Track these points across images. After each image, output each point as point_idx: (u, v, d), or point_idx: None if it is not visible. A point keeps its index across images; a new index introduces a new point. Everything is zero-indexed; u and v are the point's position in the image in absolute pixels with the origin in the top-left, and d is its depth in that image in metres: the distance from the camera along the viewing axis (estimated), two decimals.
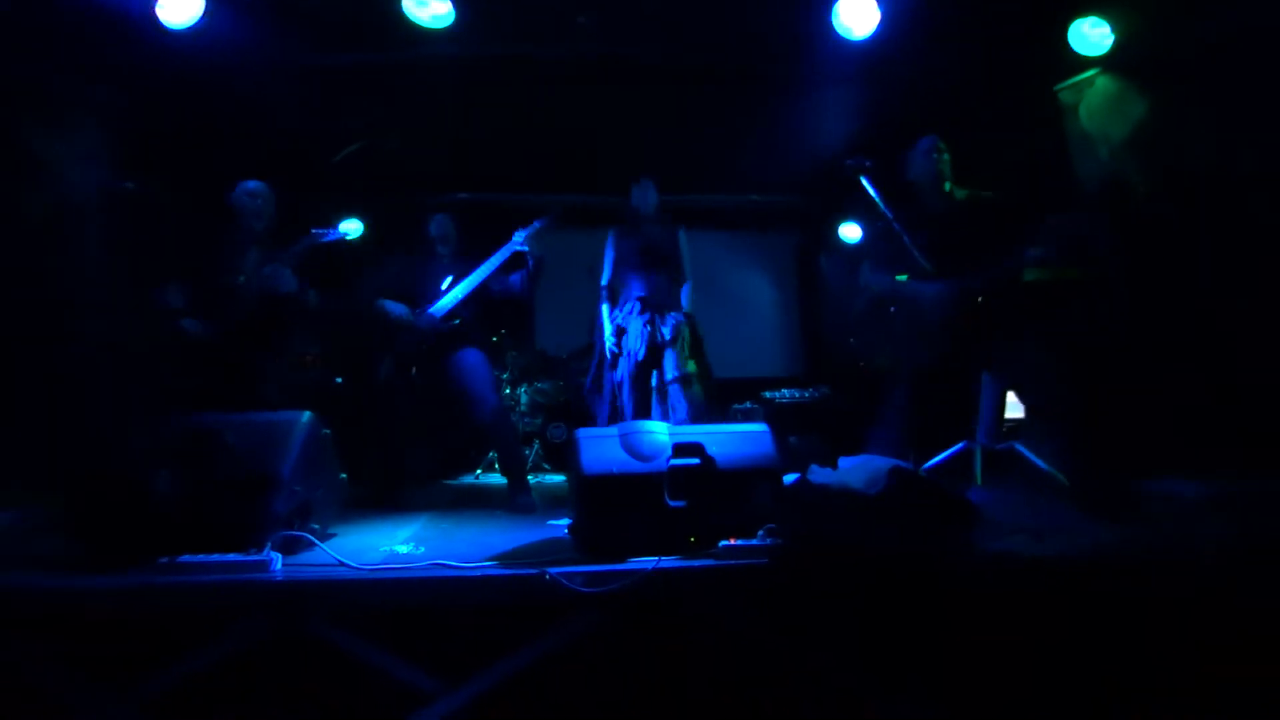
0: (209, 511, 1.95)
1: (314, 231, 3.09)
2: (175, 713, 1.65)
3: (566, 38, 3.49)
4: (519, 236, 3.28)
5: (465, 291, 3.24)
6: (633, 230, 3.48)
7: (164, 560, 1.79)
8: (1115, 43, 3.24)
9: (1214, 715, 1.61)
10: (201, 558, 1.81)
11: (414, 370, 3.22)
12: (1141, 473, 2.43)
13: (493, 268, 3.25)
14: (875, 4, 3.12)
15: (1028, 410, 3.39)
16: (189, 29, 2.90)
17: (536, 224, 3.34)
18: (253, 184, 3.07)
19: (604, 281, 3.48)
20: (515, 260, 3.31)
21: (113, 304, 3.04)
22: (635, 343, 3.27)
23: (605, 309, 3.44)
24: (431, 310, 3.21)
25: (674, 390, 3.21)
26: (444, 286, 3.26)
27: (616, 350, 3.31)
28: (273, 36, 3.10)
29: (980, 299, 2.62)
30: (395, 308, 3.20)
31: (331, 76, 3.61)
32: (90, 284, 3.04)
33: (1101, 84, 3.43)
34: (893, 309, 2.99)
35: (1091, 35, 3.27)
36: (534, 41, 3.54)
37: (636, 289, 3.36)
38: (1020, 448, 3.08)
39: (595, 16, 3.35)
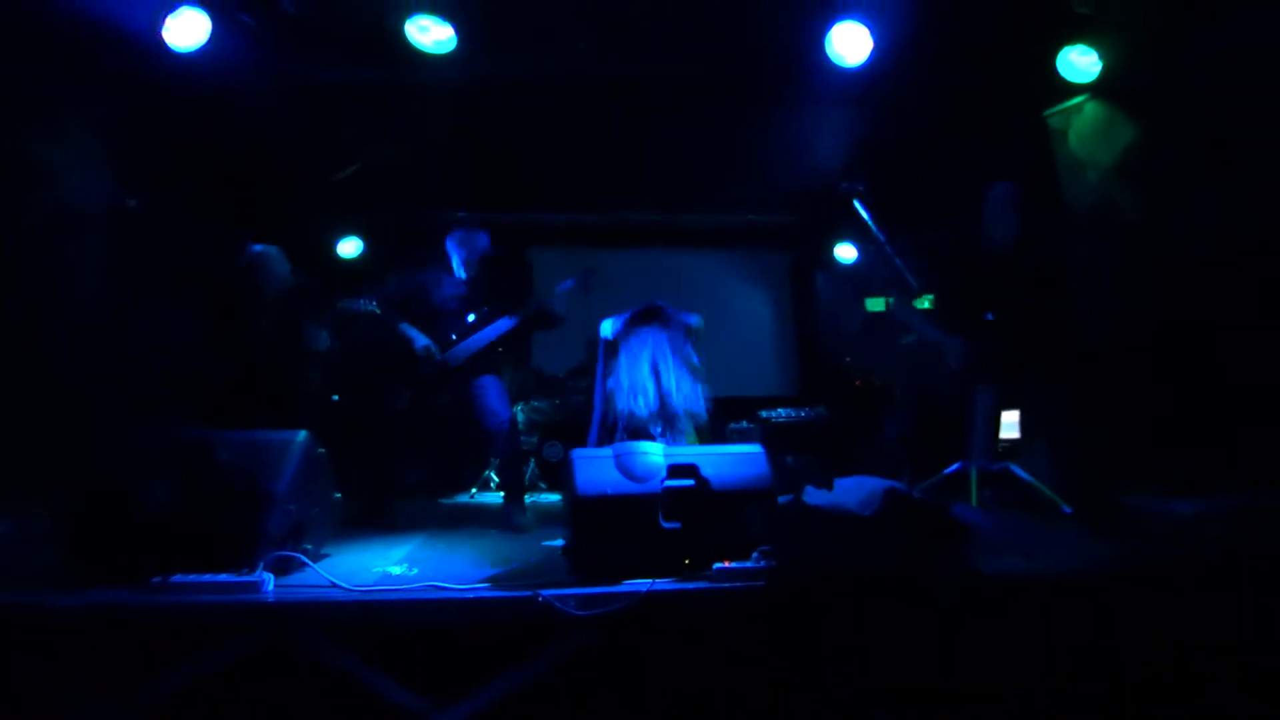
0: (202, 529, 1.94)
1: (345, 302, 3.24)
2: None
3: (566, 61, 3.56)
4: (561, 289, 3.35)
5: (489, 339, 3.28)
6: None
7: (156, 580, 1.78)
8: (1103, 70, 3.31)
9: None
10: (194, 578, 1.80)
11: (430, 401, 3.24)
12: (1134, 489, 2.44)
13: (517, 321, 3.31)
14: (868, 33, 3.18)
15: (1023, 430, 3.42)
16: (194, 51, 2.95)
17: (568, 283, 3.42)
18: (260, 247, 3.14)
19: (607, 336, 3.13)
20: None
21: (112, 317, 3.06)
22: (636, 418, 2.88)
23: (605, 359, 3.11)
24: (455, 352, 3.25)
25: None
26: (469, 319, 3.29)
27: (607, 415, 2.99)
28: (277, 60, 3.16)
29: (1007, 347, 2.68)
30: (419, 338, 3.21)
31: (334, 97, 3.67)
32: (89, 294, 3.06)
33: (1090, 110, 3.50)
34: (907, 341, 3.04)
35: (1080, 63, 3.34)
36: (534, 65, 3.60)
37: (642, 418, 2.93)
38: (1015, 468, 3.10)
39: (594, 40, 3.41)
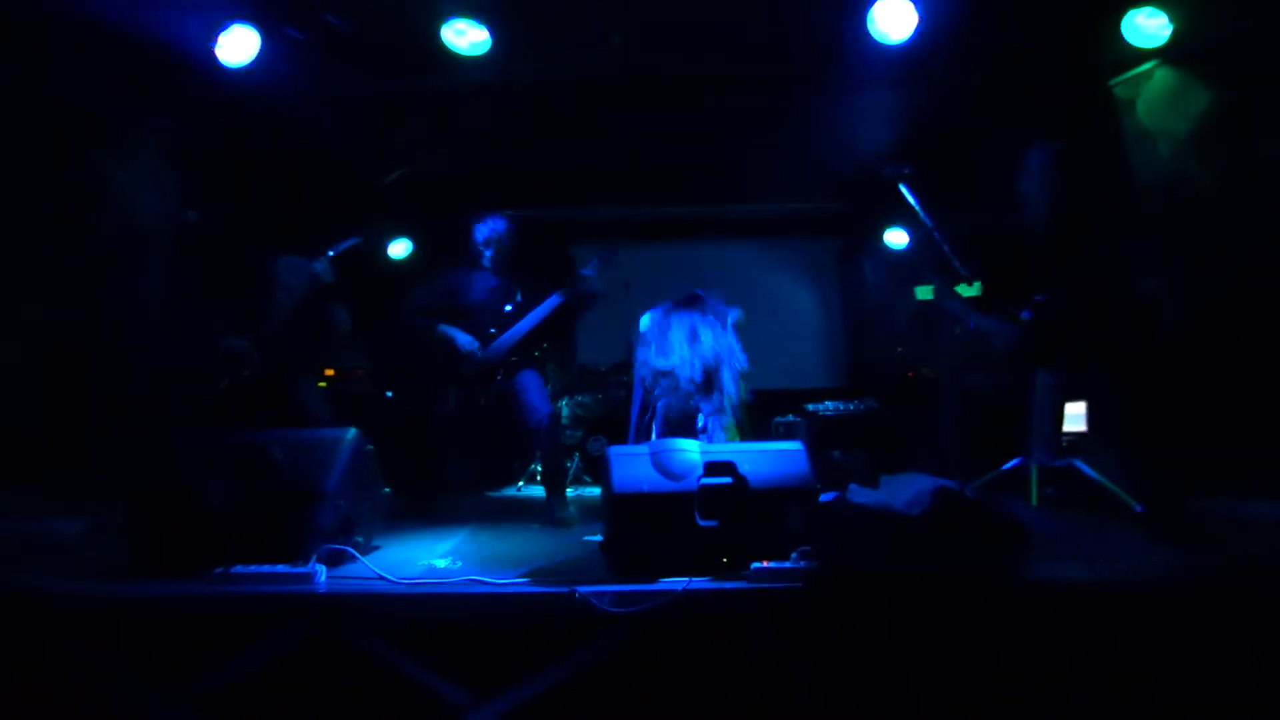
0: (258, 524, 2.05)
1: (329, 248, 3.31)
2: (221, 712, 1.73)
3: (601, 56, 3.54)
4: (587, 272, 3.34)
5: (529, 327, 3.30)
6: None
7: (219, 570, 1.89)
8: (1173, 33, 3.05)
9: None
10: (252, 569, 1.90)
11: (479, 400, 3.30)
12: (1207, 491, 2.26)
13: (555, 305, 3.31)
14: (913, 6, 3.04)
15: (1089, 424, 3.21)
16: (245, 66, 3.09)
17: (594, 261, 3.41)
18: (290, 260, 3.29)
19: (644, 330, 3.19)
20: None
21: (176, 325, 3.26)
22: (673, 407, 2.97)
23: (642, 353, 3.14)
24: (496, 345, 3.29)
25: (712, 423, 3.10)
26: (506, 309, 3.33)
27: (649, 400, 3.07)
28: (323, 71, 3.27)
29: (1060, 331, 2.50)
30: (461, 337, 3.25)
31: (378, 104, 3.78)
32: (156, 304, 3.28)
33: (1160, 77, 3.23)
34: (958, 330, 2.90)
35: (1147, 26, 3.08)
36: (569, 62, 3.61)
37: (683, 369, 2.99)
38: (1080, 464, 2.91)
39: (628, 34, 3.38)
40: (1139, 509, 2.49)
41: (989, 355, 2.70)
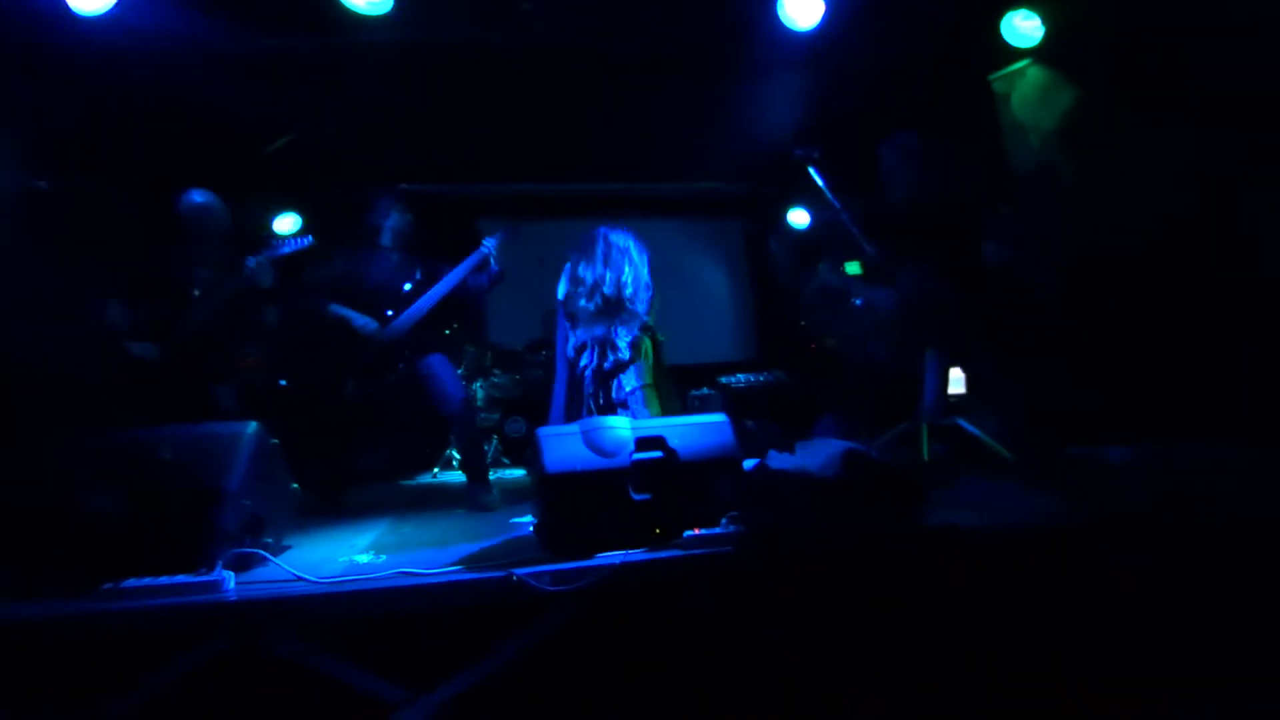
0: (152, 531, 1.86)
1: (276, 240, 3.04)
2: None
3: (511, 25, 3.40)
4: (487, 246, 3.24)
5: (430, 304, 3.16)
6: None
7: (107, 586, 1.70)
8: (1045, 34, 3.38)
9: (1149, 679, 1.74)
10: (148, 581, 1.73)
11: (379, 383, 3.14)
12: (1076, 440, 2.60)
13: (457, 280, 3.19)
14: None
15: (969, 387, 3.58)
16: (103, 16, 2.68)
17: (501, 235, 3.31)
18: (200, 196, 2.94)
19: (560, 296, 3.26)
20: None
21: (36, 311, 2.83)
22: (591, 362, 3.08)
23: (563, 324, 3.23)
24: (396, 325, 3.12)
25: (634, 399, 3.18)
26: (405, 288, 3.16)
27: (573, 366, 3.11)
28: (196, 23, 2.90)
29: (926, 299, 2.74)
30: (357, 318, 3.08)
31: (261, 64, 3.41)
32: (9, 290, 2.82)
33: (1032, 74, 3.59)
34: (858, 301, 3.10)
35: (1023, 27, 3.40)
36: (477, 29, 3.43)
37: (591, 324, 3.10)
38: (963, 423, 3.25)
39: (537, 3, 3.27)
40: (1011, 459, 2.83)
41: (882, 326, 2.92)
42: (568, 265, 3.22)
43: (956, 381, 3.65)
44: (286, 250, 3.05)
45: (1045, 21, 3.34)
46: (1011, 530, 1.93)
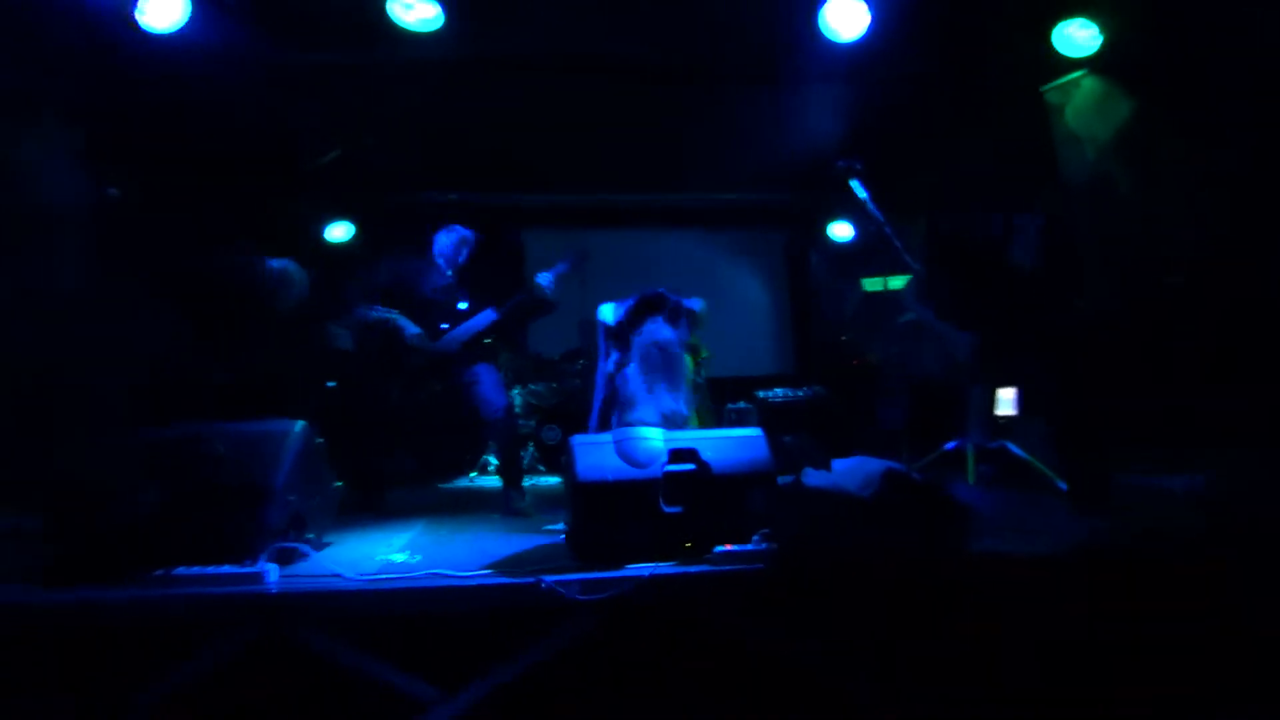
0: (202, 523, 1.94)
1: (361, 310, 3.18)
2: None
3: (554, 38, 3.48)
4: (544, 280, 3.26)
5: (480, 327, 3.24)
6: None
7: (159, 573, 1.78)
8: (1102, 44, 3.26)
9: (1198, 704, 1.64)
10: (196, 570, 1.80)
11: (424, 390, 3.23)
12: (1128, 468, 2.47)
13: (513, 306, 3.27)
14: (865, 6, 3.12)
15: (1019, 408, 3.44)
16: (171, 33, 2.86)
17: (562, 266, 3.35)
18: (280, 266, 3.13)
19: (609, 322, 3.18)
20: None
21: (99, 313, 3.01)
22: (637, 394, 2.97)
23: (605, 343, 3.18)
24: (448, 339, 3.21)
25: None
26: (460, 307, 3.25)
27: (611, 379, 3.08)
28: (257, 39, 3.06)
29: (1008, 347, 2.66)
30: (409, 326, 3.17)
31: (318, 78, 3.58)
32: (75, 291, 3.01)
33: (1088, 85, 3.46)
34: (902, 320, 3.03)
35: (1078, 37, 3.29)
36: (522, 42, 3.52)
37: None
38: (1011, 445, 3.12)
39: (583, 17, 3.33)
40: (1063, 487, 2.70)
41: (938, 350, 2.84)
42: (623, 309, 3.12)
43: (1005, 403, 3.51)
44: (371, 318, 3.15)
45: (1102, 30, 3.22)
46: (1060, 557, 1.84)
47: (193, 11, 2.90)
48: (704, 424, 3.18)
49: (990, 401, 3.41)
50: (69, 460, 2.13)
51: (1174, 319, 2.98)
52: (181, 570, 1.80)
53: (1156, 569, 1.77)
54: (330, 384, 4.56)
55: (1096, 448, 2.45)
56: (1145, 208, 3.19)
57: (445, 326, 3.25)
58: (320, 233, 4.85)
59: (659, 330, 2.97)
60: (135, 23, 2.84)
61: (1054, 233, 2.80)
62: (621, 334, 3.04)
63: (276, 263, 3.10)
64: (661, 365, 2.92)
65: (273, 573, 1.83)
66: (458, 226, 3.39)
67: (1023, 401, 3.22)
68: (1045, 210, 2.84)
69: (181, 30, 2.89)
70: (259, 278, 3.08)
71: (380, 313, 3.16)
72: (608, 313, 3.14)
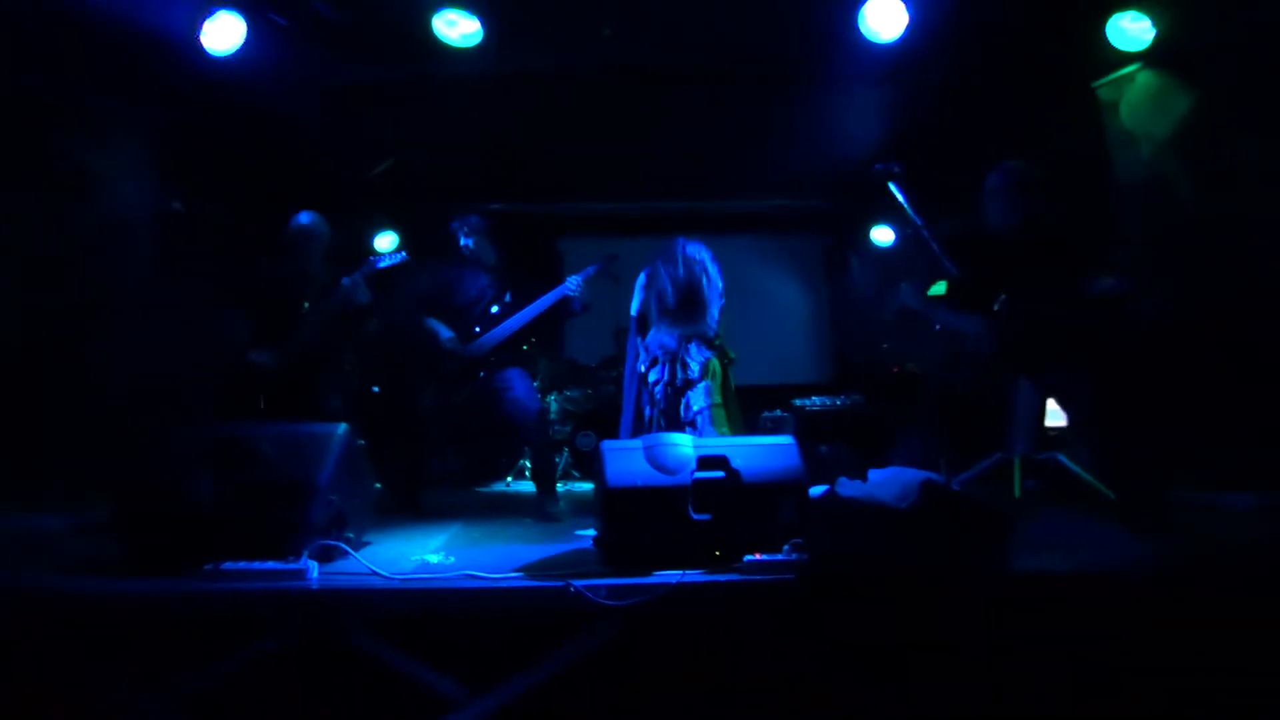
0: (249, 519, 2.03)
1: (373, 257, 3.27)
2: (213, 712, 1.71)
3: (592, 49, 3.53)
4: (573, 282, 3.30)
5: (514, 328, 3.29)
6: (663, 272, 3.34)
7: (209, 567, 1.87)
8: (1156, 37, 3.11)
9: None
10: (243, 565, 1.89)
11: (459, 394, 3.29)
12: (1187, 484, 2.33)
13: (543, 309, 3.30)
14: (904, 6, 3.07)
15: (1070, 419, 3.28)
16: (231, 55, 3.03)
17: (590, 269, 3.39)
18: (306, 217, 3.22)
19: (634, 312, 3.39)
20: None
21: (161, 317, 3.20)
22: (662, 376, 3.18)
23: (635, 340, 3.35)
24: (480, 342, 3.27)
25: (702, 419, 3.16)
26: (493, 310, 3.31)
27: (643, 379, 3.23)
28: (310, 60, 3.22)
29: (1024, 333, 2.52)
30: (443, 330, 3.24)
31: (366, 94, 3.73)
32: (139, 296, 3.21)
33: (1143, 80, 3.30)
34: (938, 327, 2.93)
35: (1131, 30, 3.14)
36: (561, 55, 3.59)
37: (664, 328, 3.24)
38: (1063, 458, 2.98)
39: (620, 27, 3.37)
40: (1113, 499, 2.55)
41: (968, 352, 2.73)
42: (642, 275, 3.33)
43: (1057, 413, 3.36)
44: (381, 266, 3.28)
45: (1156, 23, 3.06)
46: (1110, 576, 1.75)
47: (250, 34, 3.08)
48: (736, 429, 3.15)
49: (1039, 410, 3.27)
50: (134, 456, 2.26)
51: (1237, 332, 2.79)
52: (230, 565, 1.88)
53: (1213, 595, 1.66)
54: (374, 389, 4.74)
55: (1146, 461, 2.31)
56: (1206, 208, 3.01)
57: (477, 330, 3.30)
58: (369, 242, 5.04)
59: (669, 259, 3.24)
60: (200, 46, 3.03)
61: (1039, 186, 2.59)
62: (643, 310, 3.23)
63: (303, 218, 3.22)
64: (673, 281, 3.18)
65: (314, 569, 1.90)
66: (463, 220, 3.43)
67: (1069, 412, 3.06)
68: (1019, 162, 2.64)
69: (240, 52, 3.07)
70: (289, 229, 3.20)
71: (390, 259, 3.26)
72: (634, 304, 3.23)
